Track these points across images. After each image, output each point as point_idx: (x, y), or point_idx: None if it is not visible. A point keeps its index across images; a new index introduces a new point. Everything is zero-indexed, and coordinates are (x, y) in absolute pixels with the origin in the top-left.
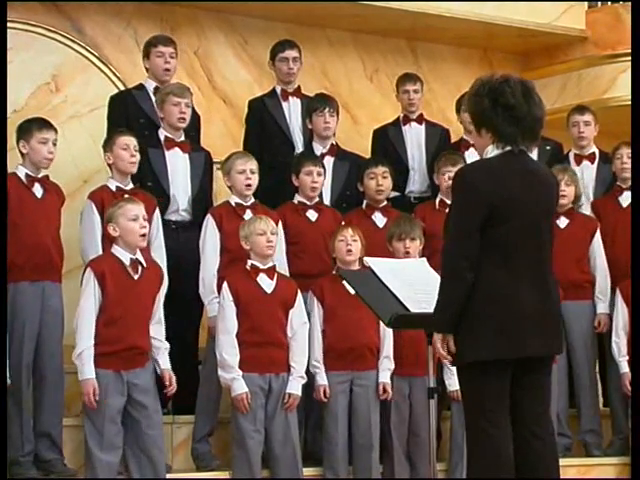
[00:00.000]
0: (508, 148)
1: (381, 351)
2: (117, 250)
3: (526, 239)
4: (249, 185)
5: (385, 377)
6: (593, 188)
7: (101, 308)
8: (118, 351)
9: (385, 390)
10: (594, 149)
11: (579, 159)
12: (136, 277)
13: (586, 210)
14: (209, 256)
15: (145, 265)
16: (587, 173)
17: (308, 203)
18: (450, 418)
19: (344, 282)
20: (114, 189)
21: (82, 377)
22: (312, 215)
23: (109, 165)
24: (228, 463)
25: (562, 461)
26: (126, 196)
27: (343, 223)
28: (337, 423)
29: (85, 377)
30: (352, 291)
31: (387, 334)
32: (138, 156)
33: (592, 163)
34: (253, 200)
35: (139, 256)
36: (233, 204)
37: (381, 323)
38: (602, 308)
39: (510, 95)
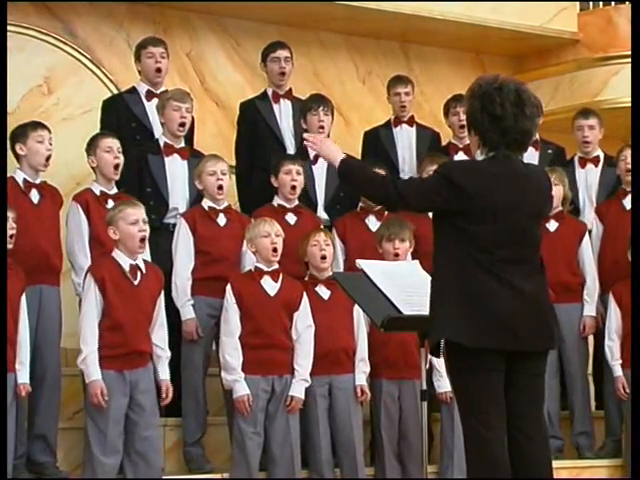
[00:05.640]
0: (492, 154)
1: (356, 354)
2: (117, 255)
3: (510, 240)
4: (221, 186)
5: (361, 380)
6: (597, 191)
7: (103, 313)
8: (121, 355)
9: (363, 392)
10: (598, 152)
11: (583, 162)
12: (136, 282)
13: (589, 213)
14: (182, 259)
15: (144, 270)
16: (591, 176)
17: (287, 206)
18: (440, 420)
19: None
20: (98, 193)
21: (89, 379)
22: (291, 218)
23: (93, 168)
24: (221, 466)
25: (554, 463)
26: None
27: (322, 227)
28: (319, 426)
29: (92, 379)
30: (326, 295)
31: (361, 337)
32: (122, 158)
33: (596, 166)
34: (226, 204)
35: (139, 261)
36: (206, 208)
37: (355, 326)
38: (588, 310)
39: (498, 105)
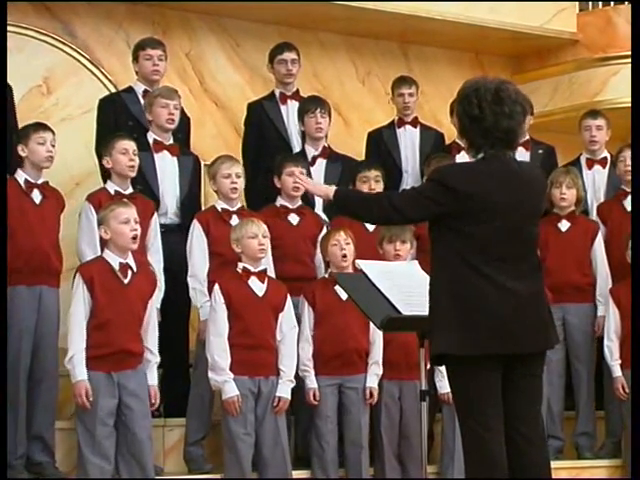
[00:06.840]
0: (481, 155)
1: (370, 356)
2: (107, 254)
3: (506, 239)
4: (235, 189)
5: (373, 382)
6: (605, 193)
7: (91, 312)
8: (108, 354)
9: (372, 395)
10: (606, 154)
11: (591, 163)
12: (126, 281)
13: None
14: (198, 260)
15: (136, 270)
16: (599, 177)
17: (290, 206)
18: (441, 421)
19: (337, 284)
20: (113, 193)
21: (74, 379)
22: (294, 219)
23: (108, 169)
24: (221, 466)
25: (553, 463)
26: (124, 200)
27: (326, 227)
28: (327, 424)
29: (77, 379)
30: (344, 294)
31: (377, 339)
32: (137, 160)
33: (604, 168)
34: (239, 205)
35: (130, 260)
36: (219, 209)
37: (371, 328)
38: (601, 311)
39: (476, 106)
